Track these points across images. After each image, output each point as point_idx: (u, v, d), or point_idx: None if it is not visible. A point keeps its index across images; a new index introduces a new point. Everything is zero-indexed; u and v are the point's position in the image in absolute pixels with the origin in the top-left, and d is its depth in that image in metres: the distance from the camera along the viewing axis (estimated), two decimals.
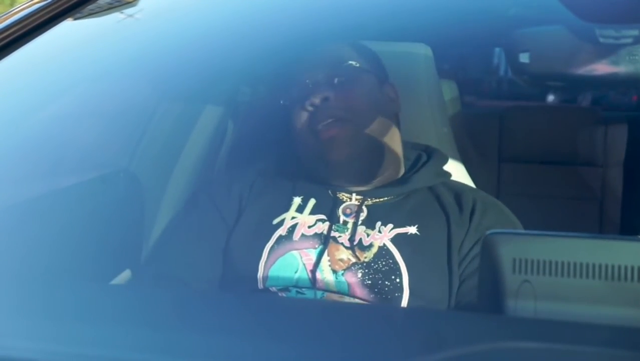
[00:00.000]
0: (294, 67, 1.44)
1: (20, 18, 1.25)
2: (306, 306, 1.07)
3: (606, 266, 0.76)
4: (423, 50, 1.69)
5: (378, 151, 1.38)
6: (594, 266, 0.76)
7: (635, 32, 1.69)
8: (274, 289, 1.30)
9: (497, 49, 2.47)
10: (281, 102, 1.43)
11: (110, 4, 1.47)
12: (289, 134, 1.40)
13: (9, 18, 1.26)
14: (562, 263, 0.77)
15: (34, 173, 1.39)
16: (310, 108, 1.35)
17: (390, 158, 1.41)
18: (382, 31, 1.63)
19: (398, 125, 1.44)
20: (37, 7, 1.28)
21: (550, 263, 0.77)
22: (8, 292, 0.93)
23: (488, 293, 0.83)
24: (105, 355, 0.76)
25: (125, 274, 1.47)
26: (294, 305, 1.05)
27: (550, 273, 0.77)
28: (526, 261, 0.77)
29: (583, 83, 2.18)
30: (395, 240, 1.31)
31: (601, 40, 1.67)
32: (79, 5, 1.34)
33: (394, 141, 1.42)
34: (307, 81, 1.38)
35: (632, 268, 0.75)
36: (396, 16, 1.58)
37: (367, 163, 1.39)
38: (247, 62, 1.64)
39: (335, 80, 1.37)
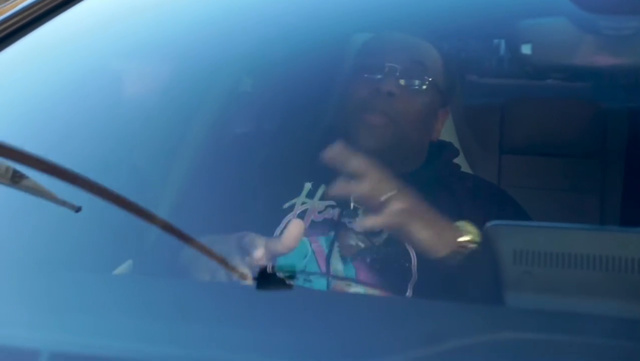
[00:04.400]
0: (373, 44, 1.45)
1: (25, 8, 1.26)
2: (313, 294, 1.07)
3: (606, 258, 0.76)
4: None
5: (404, 153, 1.39)
6: (594, 257, 0.76)
7: (638, 24, 1.68)
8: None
9: (498, 41, 2.47)
10: (347, 70, 1.43)
11: None
12: (342, 97, 1.39)
13: (19, 3, 1.26)
14: (563, 255, 0.77)
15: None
16: (373, 91, 1.35)
17: (412, 157, 1.41)
18: (383, 23, 1.63)
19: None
20: None
21: (551, 254, 0.77)
22: (10, 281, 0.94)
23: (488, 284, 0.83)
24: (107, 345, 0.76)
25: (128, 265, 1.47)
26: (301, 293, 1.05)
27: (550, 265, 0.77)
28: (527, 252, 0.78)
29: (585, 74, 2.18)
30: None
31: (604, 31, 1.66)
32: None
33: (423, 148, 1.43)
34: (387, 64, 1.37)
35: (633, 260, 0.75)
36: (396, 7, 1.58)
37: (389, 160, 1.39)
38: (248, 51, 1.64)
39: (409, 83, 1.38)
